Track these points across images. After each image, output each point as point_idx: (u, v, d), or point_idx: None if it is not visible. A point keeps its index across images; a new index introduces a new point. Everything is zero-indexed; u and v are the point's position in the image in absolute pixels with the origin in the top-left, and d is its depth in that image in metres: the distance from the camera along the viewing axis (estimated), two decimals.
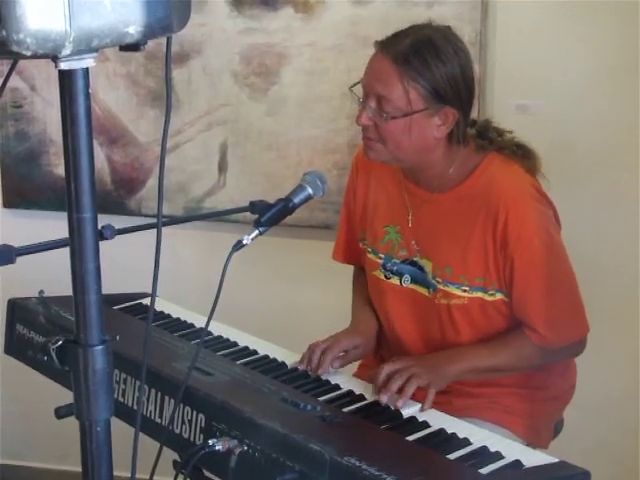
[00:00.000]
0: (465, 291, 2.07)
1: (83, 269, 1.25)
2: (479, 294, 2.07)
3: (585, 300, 2.15)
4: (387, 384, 1.91)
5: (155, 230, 1.36)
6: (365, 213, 2.26)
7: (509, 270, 2.03)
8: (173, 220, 2.20)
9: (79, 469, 1.32)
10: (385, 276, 2.20)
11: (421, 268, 2.14)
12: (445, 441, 1.74)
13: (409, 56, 1.96)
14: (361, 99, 2.05)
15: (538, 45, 2.67)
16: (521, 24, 2.68)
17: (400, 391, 1.90)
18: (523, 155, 2.10)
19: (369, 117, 2.01)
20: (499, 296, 2.07)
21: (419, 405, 1.89)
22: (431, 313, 2.13)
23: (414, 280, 2.15)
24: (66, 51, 1.09)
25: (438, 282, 2.10)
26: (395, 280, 2.18)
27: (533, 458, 1.66)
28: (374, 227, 2.23)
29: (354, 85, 2.08)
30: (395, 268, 2.18)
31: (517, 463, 1.64)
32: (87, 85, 1.19)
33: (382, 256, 2.21)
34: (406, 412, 1.86)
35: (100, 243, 1.29)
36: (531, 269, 2.03)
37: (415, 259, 2.15)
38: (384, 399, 1.88)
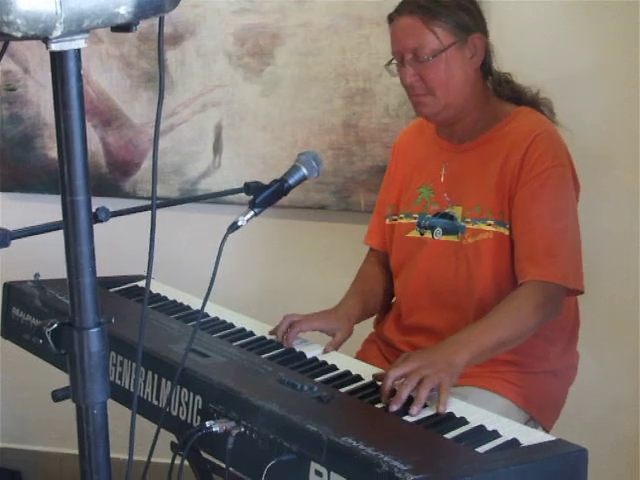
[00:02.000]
0: (490, 225, 2.16)
1: (77, 252, 1.24)
2: (501, 229, 2.14)
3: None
4: (397, 391, 1.79)
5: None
6: (402, 184, 2.36)
7: (520, 198, 2.11)
8: (168, 202, 2.19)
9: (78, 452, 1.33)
10: (420, 233, 2.28)
11: (451, 217, 2.22)
12: (442, 421, 1.73)
13: (422, 3, 2.12)
14: (396, 67, 2.20)
15: (534, 29, 2.67)
16: (517, 10, 2.68)
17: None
18: (545, 104, 2.26)
19: (412, 73, 2.15)
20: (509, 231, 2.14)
21: None
22: (459, 258, 2.19)
23: (445, 232, 2.23)
24: (57, 32, 1.08)
25: (467, 222, 2.19)
26: (428, 234, 2.26)
27: (530, 436, 1.66)
28: (409, 192, 2.33)
29: (388, 63, 2.23)
30: (428, 223, 2.27)
31: (514, 441, 1.64)
32: (79, 66, 1.19)
33: (416, 216, 2.30)
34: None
35: (95, 226, 1.29)
36: (542, 196, 2.11)
37: (447, 210, 2.24)
38: (395, 409, 1.75)
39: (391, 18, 2.18)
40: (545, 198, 2.11)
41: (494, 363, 2.11)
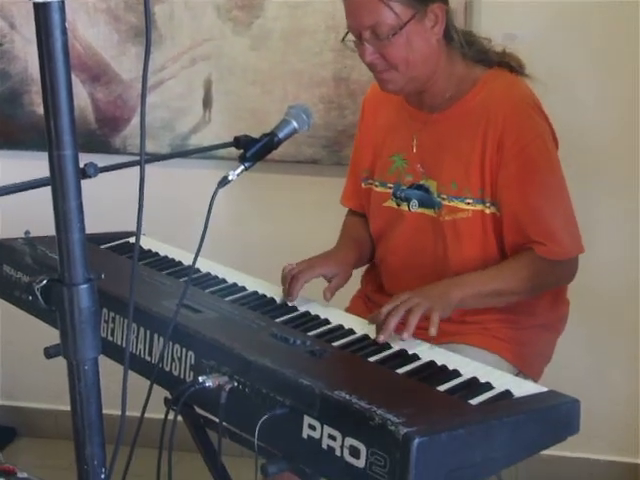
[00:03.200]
0: (469, 204, 2.12)
1: (65, 207, 1.23)
2: (480, 207, 2.11)
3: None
4: (384, 322, 1.85)
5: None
6: (375, 149, 2.31)
7: (504, 178, 2.07)
8: (156, 157, 2.18)
9: None
10: (396, 204, 2.25)
11: (427, 190, 2.18)
12: (435, 373, 1.74)
13: None
14: (354, 43, 2.09)
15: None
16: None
17: (404, 325, 1.86)
18: (514, 59, 2.19)
19: (372, 51, 2.05)
20: (494, 209, 2.10)
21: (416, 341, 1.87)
22: (437, 233, 2.17)
23: (421, 204, 2.20)
24: None
25: (443, 199, 2.15)
26: (404, 206, 2.23)
27: (523, 388, 1.67)
28: (382, 159, 2.28)
29: (345, 37, 2.11)
30: (403, 194, 2.23)
31: (507, 393, 1.64)
32: (63, 19, 1.17)
33: (391, 185, 2.25)
34: (396, 344, 1.86)
35: (85, 182, 1.28)
36: (527, 174, 2.07)
37: (421, 182, 2.19)
38: (382, 339, 1.83)
39: None
40: (530, 176, 2.07)
41: (482, 321, 2.13)
